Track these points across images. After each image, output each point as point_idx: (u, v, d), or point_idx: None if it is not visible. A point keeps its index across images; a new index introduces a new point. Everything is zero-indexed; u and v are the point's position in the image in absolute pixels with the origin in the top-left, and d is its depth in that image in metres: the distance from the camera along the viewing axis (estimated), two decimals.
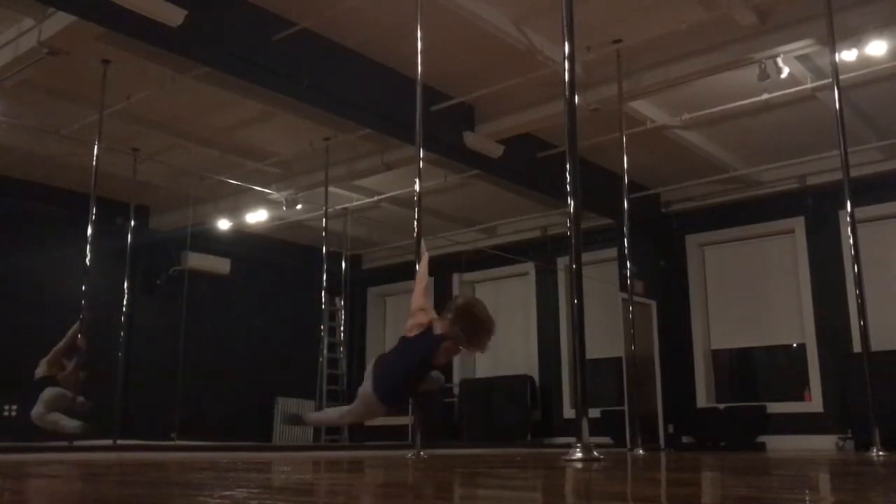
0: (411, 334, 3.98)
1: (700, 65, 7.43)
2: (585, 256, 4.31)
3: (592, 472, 3.12)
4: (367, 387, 4.05)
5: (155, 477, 2.73)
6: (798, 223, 10.30)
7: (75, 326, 7.19)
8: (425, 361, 3.94)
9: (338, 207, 10.64)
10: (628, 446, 7.65)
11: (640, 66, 7.67)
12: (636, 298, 8.54)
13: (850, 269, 8.20)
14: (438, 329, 3.85)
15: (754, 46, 7.10)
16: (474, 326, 3.81)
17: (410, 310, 4.18)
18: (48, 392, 7.15)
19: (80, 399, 7.17)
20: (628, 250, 7.93)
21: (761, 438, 10.03)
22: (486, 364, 12.63)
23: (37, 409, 7.11)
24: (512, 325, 12.45)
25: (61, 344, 7.33)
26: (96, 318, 7.19)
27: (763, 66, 7.07)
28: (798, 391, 10.15)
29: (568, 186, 4.17)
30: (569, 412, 11.23)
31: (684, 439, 10.59)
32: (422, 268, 4.63)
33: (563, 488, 2.36)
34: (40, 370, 7.29)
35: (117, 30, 6.08)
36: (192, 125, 8.79)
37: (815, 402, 9.87)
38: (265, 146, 9.25)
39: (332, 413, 4.91)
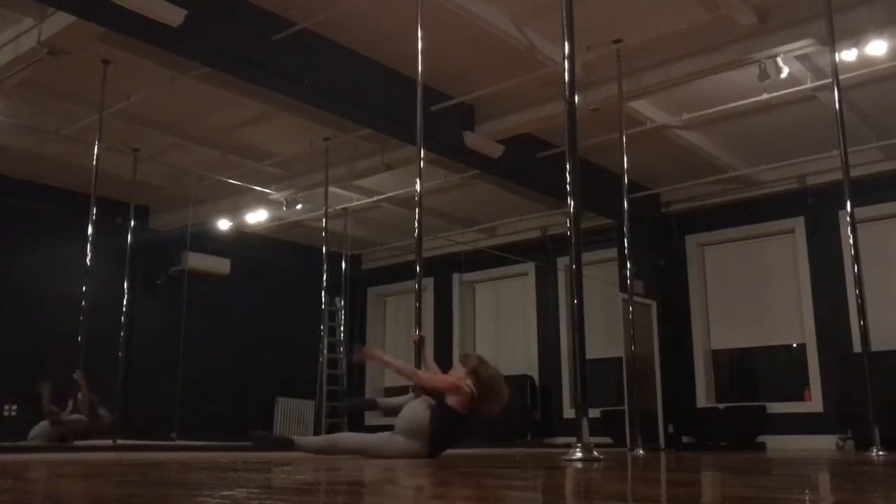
0: (463, 411, 4.59)
1: (700, 65, 7.43)
2: (585, 256, 4.31)
3: (592, 472, 3.12)
4: (421, 436, 4.52)
5: (155, 477, 2.73)
6: (798, 223, 10.30)
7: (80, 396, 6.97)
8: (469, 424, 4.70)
9: (338, 207, 10.64)
10: (628, 446, 7.66)
11: (640, 66, 7.67)
12: (636, 298, 8.54)
13: (850, 269, 8.21)
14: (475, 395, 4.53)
15: (754, 46, 7.11)
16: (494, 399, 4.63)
17: (437, 386, 4.74)
18: (36, 430, 7.05)
19: (102, 412, 7.10)
20: (628, 250, 7.93)
21: (761, 438, 10.03)
22: None
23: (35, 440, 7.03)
24: (512, 325, 12.46)
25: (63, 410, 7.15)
26: (88, 379, 7.05)
27: (763, 66, 7.07)
28: (798, 391, 10.15)
29: (568, 186, 4.17)
30: (569, 412, 11.23)
31: (684, 439, 10.59)
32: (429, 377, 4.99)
33: (563, 488, 2.36)
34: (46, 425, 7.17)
35: (117, 30, 6.08)
36: (192, 125, 8.79)
37: (815, 402, 9.87)
38: (265, 146, 9.25)
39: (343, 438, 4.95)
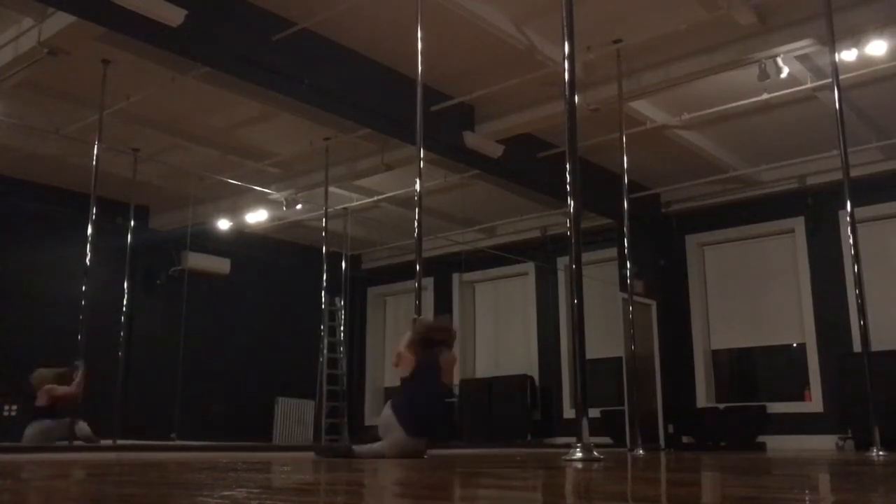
0: (407, 374, 4.95)
1: (700, 65, 7.43)
2: (585, 256, 4.32)
3: (592, 472, 3.12)
4: (393, 428, 4.80)
5: (155, 477, 2.73)
6: (798, 223, 10.30)
7: (78, 379, 6.92)
8: (438, 384, 4.95)
9: (338, 207, 10.64)
10: (628, 446, 7.66)
11: (640, 66, 7.67)
12: (636, 298, 8.54)
13: (850, 269, 8.21)
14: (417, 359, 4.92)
15: (754, 46, 7.10)
16: (436, 338, 5.01)
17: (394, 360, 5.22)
18: (29, 430, 7.02)
19: (81, 424, 7.08)
20: (628, 250, 7.93)
21: (761, 438, 10.03)
22: (486, 364, 12.64)
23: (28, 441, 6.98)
24: (512, 325, 12.46)
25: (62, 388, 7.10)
26: (91, 369, 7.06)
27: (763, 66, 7.07)
28: (798, 391, 10.15)
29: (568, 186, 4.18)
30: (569, 412, 11.23)
31: (684, 439, 10.59)
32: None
33: (563, 488, 2.36)
34: (41, 400, 7.13)
35: (117, 30, 6.08)
36: (192, 125, 8.79)
37: (815, 402, 9.87)
38: (265, 146, 9.25)
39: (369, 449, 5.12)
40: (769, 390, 10.67)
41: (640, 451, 6.93)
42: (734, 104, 8.13)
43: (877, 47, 6.78)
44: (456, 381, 5.05)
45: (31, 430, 6.97)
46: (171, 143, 9.09)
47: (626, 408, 8.91)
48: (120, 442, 7.63)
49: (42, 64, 6.77)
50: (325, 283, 10.19)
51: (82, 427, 7.11)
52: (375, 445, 5.02)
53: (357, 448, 5.27)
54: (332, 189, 9.75)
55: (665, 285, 10.91)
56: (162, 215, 11.14)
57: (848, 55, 6.81)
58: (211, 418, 10.69)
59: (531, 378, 11.65)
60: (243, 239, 11.61)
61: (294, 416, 11.82)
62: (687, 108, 8.36)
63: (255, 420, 11.48)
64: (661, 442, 9.98)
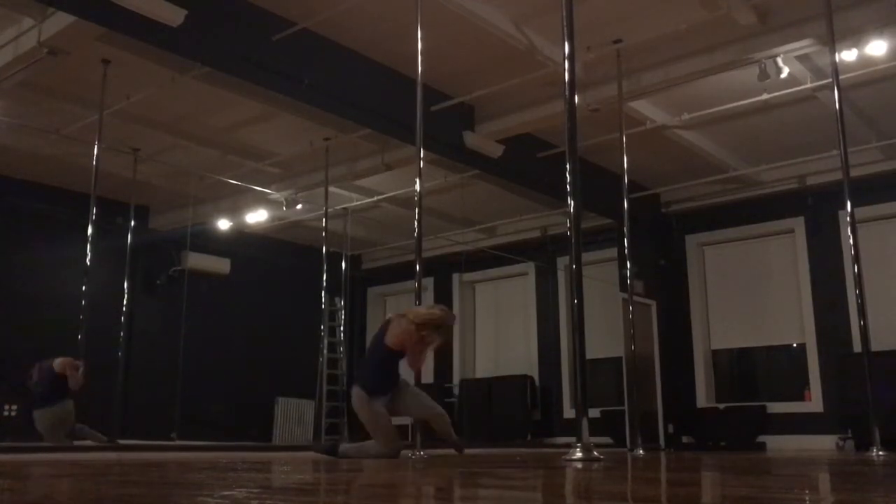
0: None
1: (700, 65, 7.43)
2: (585, 256, 4.32)
3: (592, 472, 3.12)
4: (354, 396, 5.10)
5: (155, 477, 2.73)
6: (798, 223, 10.30)
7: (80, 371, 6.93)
8: (379, 343, 5.10)
9: (338, 207, 10.64)
10: (628, 446, 7.66)
11: (640, 66, 7.67)
12: (636, 298, 8.54)
13: (850, 269, 8.20)
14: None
15: (754, 46, 7.11)
16: (427, 317, 5.11)
17: None
18: (59, 407, 6.98)
19: (89, 429, 7.10)
20: (628, 250, 7.93)
21: (761, 438, 10.03)
22: (486, 364, 12.63)
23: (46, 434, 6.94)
24: (512, 325, 12.45)
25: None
26: (91, 369, 7.05)
27: (763, 66, 7.07)
28: (798, 391, 10.15)
29: (568, 186, 4.18)
30: (569, 412, 11.23)
31: (684, 439, 10.59)
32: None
33: (563, 488, 2.36)
34: (58, 365, 7.07)
35: (117, 30, 6.08)
36: (192, 125, 8.79)
37: (815, 402, 9.87)
38: (265, 146, 9.25)
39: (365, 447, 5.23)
40: (769, 390, 10.68)
41: (640, 451, 6.93)
42: (734, 104, 8.13)
43: (877, 47, 6.78)
44: (392, 342, 4.99)
45: (60, 407, 6.86)
46: (171, 143, 9.09)
47: (626, 408, 8.91)
48: (120, 442, 7.63)
49: (42, 64, 6.77)
50: (325, 283, 10.19)
51: (90, 432, 7.11)
52: (365, 444, 5.09)
53: (343, 447, 5.33)
54: (332, 189, 9.75)
55: (665, 285, 10.91)
56: (162, 215, 11.13)
57: (848, 55, 6.81)
58: (211, 418, 10.69)
59: (531, 378, 11.64)
60: (243, 239, 11.61)
61: (294, 416, 11.81)
62: (687, 108, 8.36)
63: (255, 420, 11.47)
64: (661, 442, 9.98)
